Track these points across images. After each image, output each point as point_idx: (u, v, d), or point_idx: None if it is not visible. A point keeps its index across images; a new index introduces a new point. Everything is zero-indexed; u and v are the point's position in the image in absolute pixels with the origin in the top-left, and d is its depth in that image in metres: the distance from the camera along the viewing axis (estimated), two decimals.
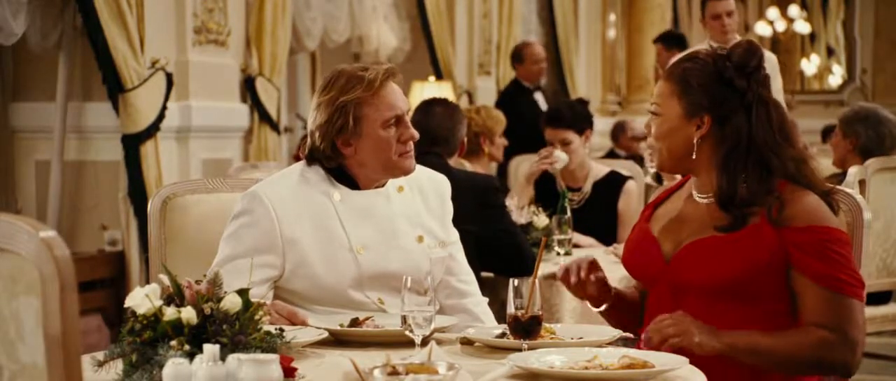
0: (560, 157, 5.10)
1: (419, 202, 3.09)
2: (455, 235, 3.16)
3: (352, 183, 3.01)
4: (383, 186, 3.05)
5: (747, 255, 2.63)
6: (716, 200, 2.70)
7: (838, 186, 2.86)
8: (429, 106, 4.52)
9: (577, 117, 5.22)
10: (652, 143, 2.77)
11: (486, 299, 3.24)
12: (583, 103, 5.38)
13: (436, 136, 4.38)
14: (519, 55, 9.09)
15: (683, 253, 2.71)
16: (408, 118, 3.01)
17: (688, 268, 2.70)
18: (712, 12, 6.75)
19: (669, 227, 2.78)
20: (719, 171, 2.68)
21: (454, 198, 3.35)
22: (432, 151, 4.35)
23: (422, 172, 3.15)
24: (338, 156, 2.99)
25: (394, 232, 3.00)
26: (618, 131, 10.23)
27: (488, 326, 2.93)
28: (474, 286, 3.18)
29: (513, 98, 8.88)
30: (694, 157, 2.71)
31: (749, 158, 2.67)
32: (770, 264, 2.63)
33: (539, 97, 9.10)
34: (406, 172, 3.02)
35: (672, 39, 9.47)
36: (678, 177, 2.98)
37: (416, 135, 3.02)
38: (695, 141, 2.70)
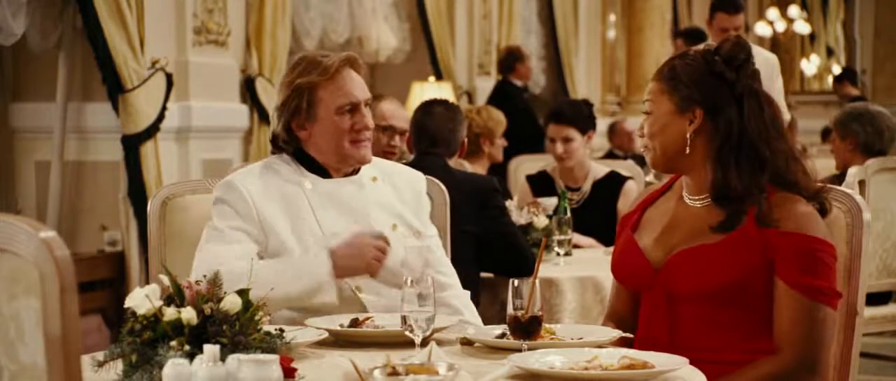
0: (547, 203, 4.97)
1: (393, 193, 3.09)
2: (433, 230, 3.15)
3: (322, 172, 3.01)
4: (356, 173, 3.05)
5: (737, 261, 2.63)
6: (711, 195, 2.70)
7: (834, 186, 2.85)
8: (429, 107, 4.52)
9: (580, 116, 5.22)
10: (646, 142, 2.76)
11: (468, 292, 3.22)
12: (588, 105, 5.38)
13: (436, 136, 4.38)
14: (519, 55, 9.26)
15: (673, 262, 2.71)
16: (366, 109, 3.01)
17: (678, 277, 2.69)
18: (720, 25, 6.74)
19: (659, 233, 2.77)
20: (714, 164, 2.68)
21: (454, 199, 3.35)
22: (433, 152, 4.35)
23: (395, 168, 3.16)
24: (294, 139, 3.00)
25: (368, 220, 3.00)
26: (612, 132, 10.31)
27: (488, 326, 2.93)
28: (454, 279, 3.17)
29: (509, 98, 8.96)
30: (688, 152, 2.71)
31: (741, 151, 2.66)
32: (759, 269, 2.63)
33: (529, 97, 9.29)
34: (360, 161, 3.02)
35: (694, 35, 9.38)
36: None
37: (372, 124, 3.02)
38: (688, 135, 2.70)
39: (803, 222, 2.63)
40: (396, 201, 3.09)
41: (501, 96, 9.08)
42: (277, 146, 3.05)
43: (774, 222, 2.62)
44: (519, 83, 9.35)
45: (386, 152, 4.84)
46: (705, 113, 2.69)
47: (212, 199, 3.01)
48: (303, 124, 2.99)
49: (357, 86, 3.01)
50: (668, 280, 2.70)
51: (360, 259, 2.86)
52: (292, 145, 3.02)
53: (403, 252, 3.02)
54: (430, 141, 4.38)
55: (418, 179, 3.18)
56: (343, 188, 3.01)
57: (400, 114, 4.92)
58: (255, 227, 2.92)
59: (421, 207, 3.14)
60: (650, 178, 4.71)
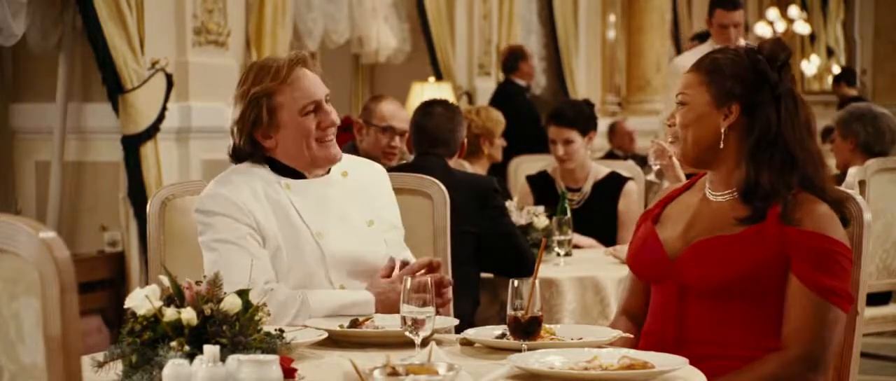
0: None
1: (364, 187, 3.07)
2: (401, 224, 3.14)
3: (295, 174, 2.99)
4: (328, 172, 3.03)
5: (752, 255, 2.64)
6: (738, 191, 2.70)
7: (848, 191, 2.86)
8: (429, 107, 4.51)
9: (581, 118, 5.22)
10: (677, 132, 2.76)
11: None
12: (589, 105, 5.38)
13: (436, 137, 4.37)
14: (522, 54, 9.29)
15: (689, 253, 2.71)
16: (328, 105, 2.96)
17: (693, 268, 2.70)
18: (720, 22, 6.74)
19: (679, 226, 2.78)
20: (746, 161, 2.68)
21: (454, 199, 3.34)
22: (433, 153, 4.34)
23: (359, 161, 3.14)
24: (259, 150, 2.95)
25: (346, 217, 2.99)
26: (612, 132, 10.31)
27: (488, 327, 2.93)
28: None
29: (511, 98, 8.97)
30: (722, 146, 2.70)
31: (776, 151, 2.67)
32: (774, 264, 2.63)
33: (530, 97, 9.29)
34: (330, 161, 2.99)
35: (708, 37, 9.29)
36: (682, 176, 2.97)
37: (338, 121, 2.97)
38: (722, 130, 2.70)
39: (823, 223, 2.64)
40: (368, 194, 3.08)
41: (504, 96, 9.10)
42: (240, 159, 3.00)
43: (795, 221, 2.63)
44: (522, 83, 9.35)
45: (386, 153, 4.85)
46: (742, 109, 2.69)
47: (197, 216, 2.94)
48: (267, 134, 2.93)
49: (314, 84, 2.95)
50: (683, 271, 2.71)
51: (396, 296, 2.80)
52: (259, 156, 2.97)
53: (385, 247, 3.02)
54: (429, 142, 4.37)
55: (383, 173, 3.17)
56: (319, 188, 2.99)
57: (400, 115, 4.91)
58: (257, 233, 2.91)
59: (392, 200, 3.13)
60: (652, 177, 4.71)
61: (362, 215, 3.02)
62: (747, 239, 2.65)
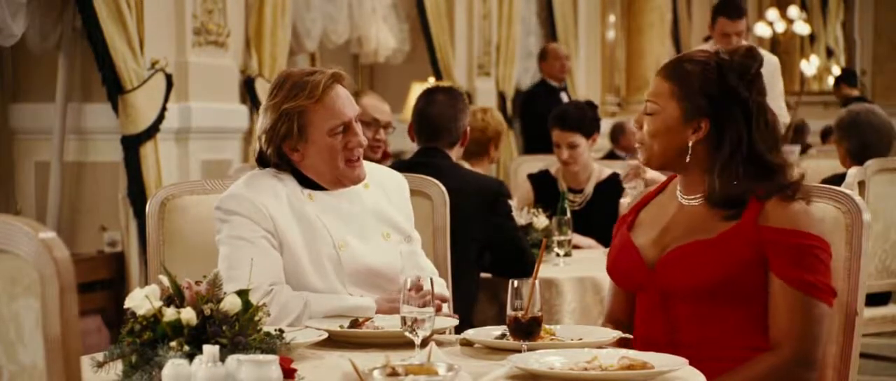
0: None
1: (383, 198, 3.09)
2: (417, 235, 3.15)
3: (320, 186, 3.01)
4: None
5: (730, 257, 2.64)
6: (706, 200, 2.70)
7: (833, 187, 2.86)
8: (431, 94, 4.46)
9: (585, 120, 5.21)
10: (643, 139, 2.75)
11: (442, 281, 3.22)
12: (592, 107, 5.37)
13: (438, 125, 4.32)
14: (541, 54, 9.61)
15: (667, 260, 2.71)
16: (357, 124, 2.99)
17: (672, 274, 2.70)
18: (722, 30, 6.72)
19: (654, 232, 2.78)
20: (715, 175, 2.68)
21: (461, 200, 3.33)
22: (438, 150, 4.30)
23: (380, 171, 3.15)
24: (286, 161, 2.98)
25: (365, 229, 3.01)
26: (617, 133, 10.29)
27: (488, 327, 2.93)
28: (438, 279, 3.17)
29: (539, 97, 9.13)
30: (687, 160, 2.71)
31: (747, 162, 2.67)
32: (754, 265, 2.64)
33: (564, 98, 9.42)
34: (354, 181, 3.01)
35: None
36: (660, 177, 2.97)
37: (365, 142, 3.00)
38: (690, 144, 2.70)
39: (797, 219, 2.64)
40: (387, 205, 3.09)
41: (527, 96, 9.35)
42: (265, 166, 3.02)
43: (770, 220, 2.63)
44: (552, 82, 9.60)
45: (371, 147, 4.82)
46: (712, 125, 2.68)
47: (218, 213, 2.96)
48: (295, 146, 2.96)
49: (346, 104, 2.97)
50: (662, 278, 2.71)
51: None
52: (286, 167, 2.99)
53: (399, 260, 3.02)
54: (432, 129, 4.33)
55: (403, 182, 3.19)
56: (341, 199, 3.01)
57: (381, 107, 4.90)
58: (274, 237, 2.92)
59: (409, 211, 3.15)
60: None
61: (380, 227, 3.04)
62: (724, 242, 2.65)
